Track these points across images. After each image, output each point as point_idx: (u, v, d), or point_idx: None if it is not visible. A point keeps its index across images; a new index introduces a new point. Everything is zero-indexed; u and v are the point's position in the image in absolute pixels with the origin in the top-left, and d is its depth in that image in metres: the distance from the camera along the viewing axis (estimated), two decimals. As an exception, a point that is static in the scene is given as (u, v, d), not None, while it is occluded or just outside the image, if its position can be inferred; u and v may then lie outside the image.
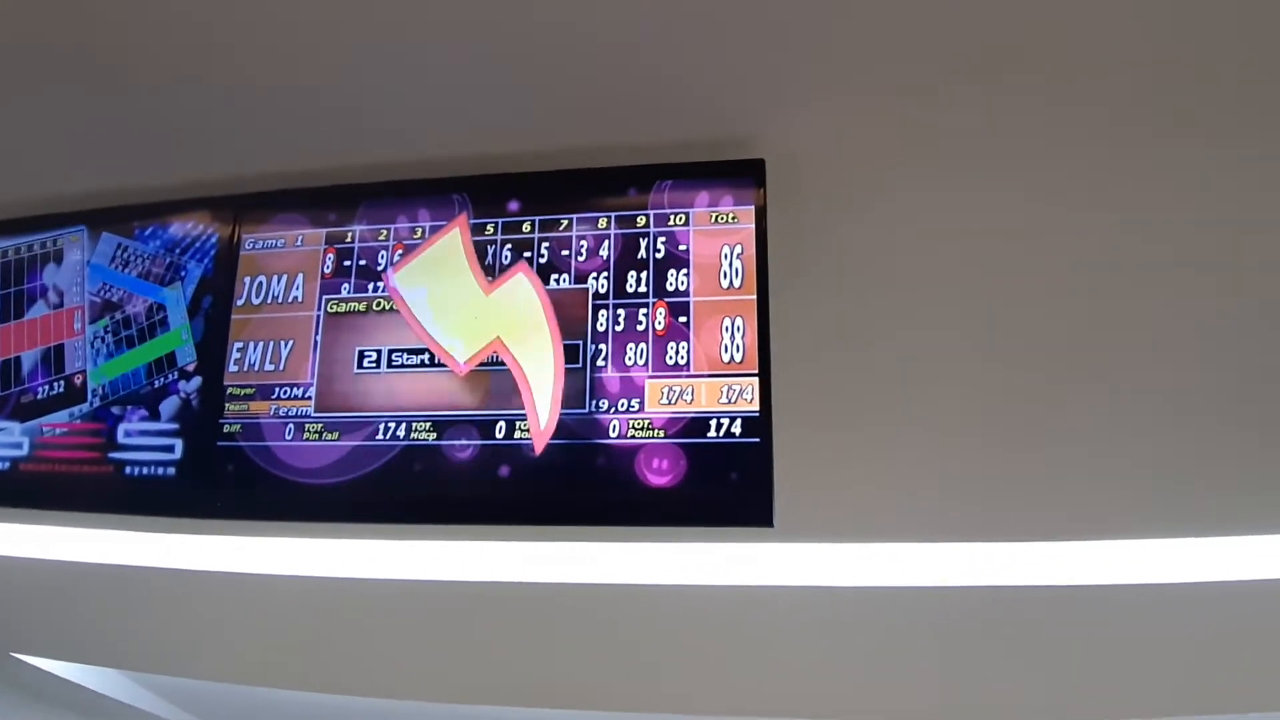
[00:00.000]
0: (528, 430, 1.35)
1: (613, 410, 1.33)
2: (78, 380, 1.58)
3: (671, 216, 1.39)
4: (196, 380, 1.51)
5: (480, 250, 1.44)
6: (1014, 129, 1.35)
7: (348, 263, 1.49)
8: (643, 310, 1.36)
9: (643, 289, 1.37)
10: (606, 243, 1.40)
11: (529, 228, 1.43)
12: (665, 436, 1.30)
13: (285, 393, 1.45)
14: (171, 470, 1.48)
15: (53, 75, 1.47)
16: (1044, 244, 1.35)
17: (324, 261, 1.50)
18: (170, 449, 1.49)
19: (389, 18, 1.30)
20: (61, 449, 1.55)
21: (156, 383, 1.53)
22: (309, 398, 1.44)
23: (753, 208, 1.37)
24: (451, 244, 1.45)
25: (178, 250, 1.58)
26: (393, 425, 1.39)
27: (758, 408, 1.29)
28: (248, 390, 1.47)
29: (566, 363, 1.36)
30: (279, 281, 1.51)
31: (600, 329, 1.37)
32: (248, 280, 1.52)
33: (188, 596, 1.68)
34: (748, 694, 1.62)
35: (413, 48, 1.36)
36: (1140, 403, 1.30)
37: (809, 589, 1.43)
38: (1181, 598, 1.36)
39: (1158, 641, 1.43)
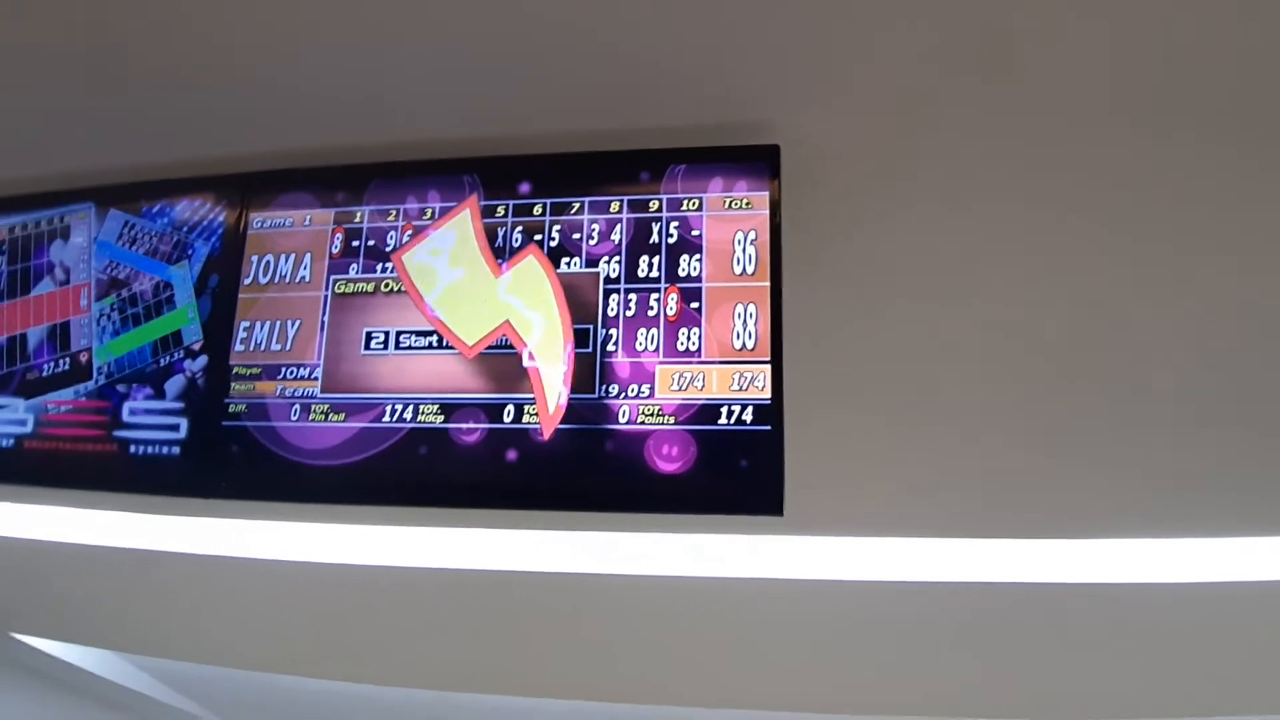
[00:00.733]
0: (536, 414, 1.33)
1: (622, 396, 1.32)
2: (83, 358, 1.57)
3: (685, 201, 1.38)
4: (202, 359, 1.49)
5: (490, 232, 1.43)
6: (1030, 122, 1.35)
7: (356, 243, 1.47)
8: (654, 295, 1.35)
9: (654, 274, 1.36)
10: (618, 227, 1.38)
11: (540, 210, 1.42)
12: (675, 423, 1.29)
13: (292, 373, 1.44)
14: (176, 449, 1.47)
15: (62, 53, 1.46)
16: (1061, 238, 1.33)
17: (332, 241, 1.48)
18: (175, 428, 1.48)
19: (402, -5, 1.29)
20: (66, 426, 1.54)
21: (162, 361, 1.52)
22: (315, 378, 1.43)
23: (767, 194, 1.35)
24: (461, 225, 1.44)
25: (185, 228, 1.57)
26: (399, 407, 1.38)
27: (769, 395, 1.28)
28: (254, 370, 1.46)
29: (576, 347, 1.35)
30: (286, 261, 1.49)
31: (611, 314, 1.35)
32: (255, 259, 1.51)
33: (188, 579, 1.67)
34: (751, 687, 1.61)
35: (426, 27, 1.35)
36: (1151, 400, 1.29)
37: (817, 582, 1.41)
38: (1182, 598, 1.35)
39: (1159, 641, 1.42)
